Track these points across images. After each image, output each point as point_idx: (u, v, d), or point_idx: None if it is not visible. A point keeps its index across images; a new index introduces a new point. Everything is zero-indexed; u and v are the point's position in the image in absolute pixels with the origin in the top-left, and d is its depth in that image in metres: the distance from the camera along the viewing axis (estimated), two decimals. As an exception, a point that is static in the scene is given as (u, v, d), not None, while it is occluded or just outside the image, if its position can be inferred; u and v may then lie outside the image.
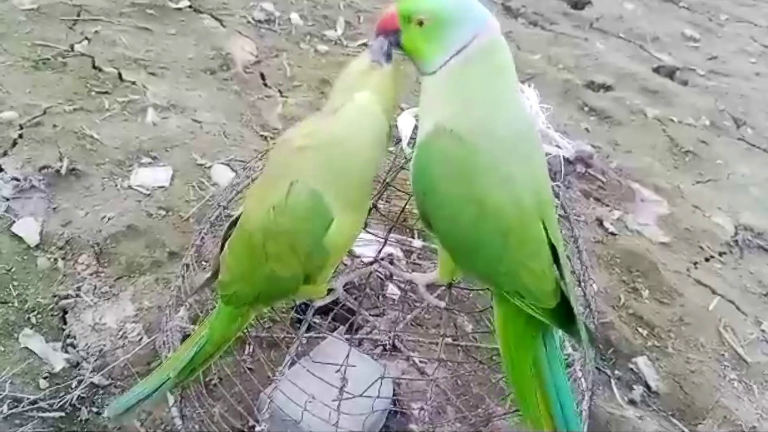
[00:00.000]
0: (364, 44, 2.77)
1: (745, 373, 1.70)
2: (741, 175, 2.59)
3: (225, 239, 1.05)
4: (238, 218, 1.02)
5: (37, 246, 1.59)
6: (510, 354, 0.98)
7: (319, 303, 1.15)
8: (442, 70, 0.88)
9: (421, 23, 0.88)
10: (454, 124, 0.87)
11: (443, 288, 1.27)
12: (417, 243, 1.82)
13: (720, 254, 2.13)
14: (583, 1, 3.83)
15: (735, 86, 3.28)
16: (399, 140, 1.19)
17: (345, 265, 1.61)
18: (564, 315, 0.94)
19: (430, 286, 1.21)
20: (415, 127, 1.17)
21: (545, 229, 0.91)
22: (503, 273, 0.92)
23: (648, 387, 1.62)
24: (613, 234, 2.07)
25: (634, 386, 1.62)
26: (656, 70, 3.29)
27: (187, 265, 1.29)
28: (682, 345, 1.74)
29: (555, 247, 0.92)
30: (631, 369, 1.66)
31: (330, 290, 1.11)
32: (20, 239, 1.60)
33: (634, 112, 2.85)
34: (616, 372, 1.65)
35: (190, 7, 2.76)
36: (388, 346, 1.51)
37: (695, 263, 2.06)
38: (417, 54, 0.91)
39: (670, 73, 3.27)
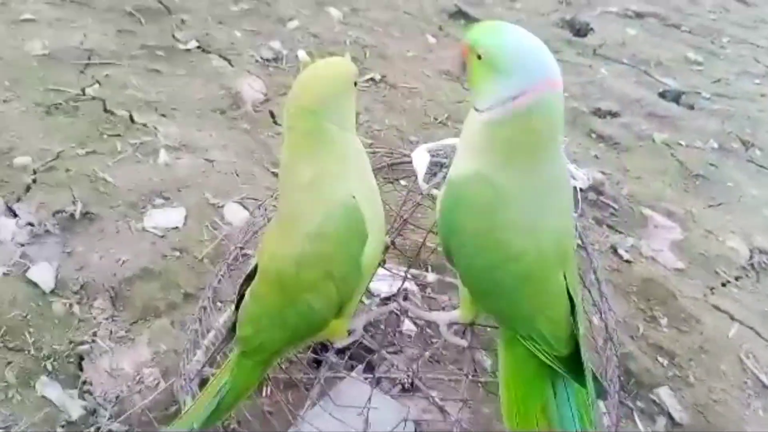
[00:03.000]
0: (372, 79, 2.80)
1: (769, 401, 1.68)
2: (752, 197, 2.58)
3: (240, 297, 1.04)
4: (252, 273, 1.02)
5: (52, 291, 1.59)
6: (515, 398, 0.97)
7: (339, 345, 1.14)
8: (489, 112, 0.88)
9: (479, 57, 0.88)
10: (490, 173, 0.88)
11: (463, 326, 1.27)
12: (431, 277, 1.82)
13: (736, 278, 2.11)
14: (585, 28, 3.86)
15: (741, 108, 3.28)
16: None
17: (363, 303, 1.60)
18: (574, 363, 0.94)
19: (451, 324, 1.21)
20: (430, 163, 1.18)
21: (566, 278, 0.92)
22: (520, 317, 0.93)
23: (671, 418, 1.59)
24: (628, 261, 2.06)
25: (657, 417, 1.59)
26: (662, 94, 3.29)
27: (204, 308, 1.29)
28: (703, 374, 1.72)
29: (573, 298, 0.93)
30: (653, 400, 1.63)
31: (350, 331, 1.10)
32: (35, 285, 1.60)
33: (642, 138, 2.85)
34: (638, 403, 1.63)
35: (198, 47, 2.80)
36: (407, 385, 1.49)
37: (712, 289, 2.04)
38: (472, 85, 0.92)
39: (675, 98, 3.28)
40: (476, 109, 0.91)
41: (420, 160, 1.19)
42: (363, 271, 0.92)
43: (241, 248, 1.38)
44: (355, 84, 0.97)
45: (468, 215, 0.90)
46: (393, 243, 1.25)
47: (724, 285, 2.08)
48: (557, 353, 0.92)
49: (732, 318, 1.92)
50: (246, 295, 1.02)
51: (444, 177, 1.22)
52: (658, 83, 3.40)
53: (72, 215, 1.79)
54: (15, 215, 1.77)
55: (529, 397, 0.96)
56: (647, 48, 3.80)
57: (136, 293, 1.62)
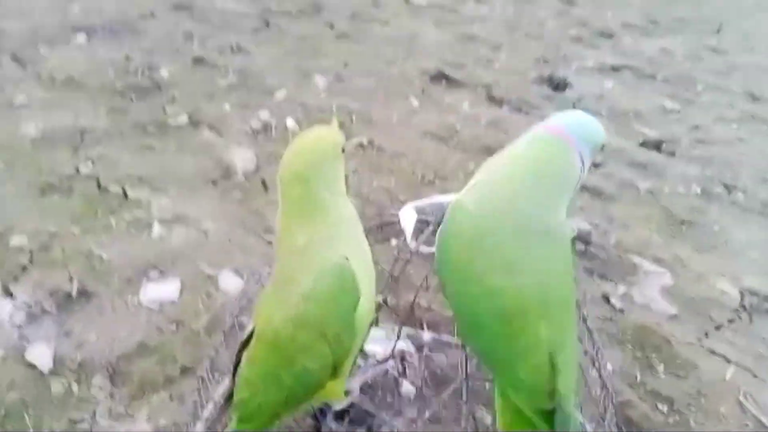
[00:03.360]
0: (360, 144, 2.86)
1: (771, 443, 1.68)
2: (738, 241, 2.62)
3: (237, 364, 1.06)
4: (248, 338, 1.04)
5: (50, 371, 1.60)
6: None
7: (337, 407, 1.15)
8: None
9: None
10: (473, 203, 0.92)
11: (459, 382, 1.28)
12: (427, 336, 1.83)
13: (729, 321, 2.13)
14: (563, 83, 3.98)
15: (720, 153, 3.37)
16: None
17: (358, 365, 1.61)
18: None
19: (442, 385, 1.22)
20: (418, 221, 1.22)
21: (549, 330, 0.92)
22: (500, 360, 0.94)
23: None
24: (621, 310, 2.08)
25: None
26: (642, 144, 3.38)
27: (202, 378, 1.30)
28: (703, 418, 1.72)
29: (552, 354, 0.92)
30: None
31: (347, 392, 1.12)
32: (33, 366, 1.60)
33: (625, 186, 2.92)
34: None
35: (189, 122, 2.87)
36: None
37: (706, 333, 2.06)
38: None
39: (656, 146, 3.36)
40: None
41: (407, 219, 1.23)
42: (356, 330, 0.95)
43: (237, 316, 1.39)
44: (343, 150, 1.01)
45: (451, 242, 0.94)
46: (385, 301, 1.27)
47: (717, 329, 2.10)
48: (538, 406, 0.92)
49: (728, 361, 1.93)
50: (242, 360, 1.04)
51: (432, 233, 1.26)
52: (638, 133, 3.49)
53: (69, 294, 1.81)
54: (11, 296, 1.78)
55: None
56: (625, 99, 3.91)
57: (133, 369, 1.63)
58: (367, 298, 0.95)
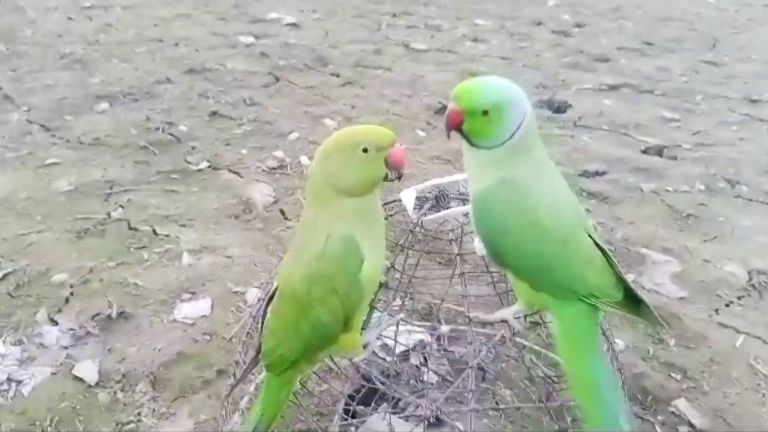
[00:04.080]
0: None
1: (784, 397, 1.73)
2: (744, 228, 2.70)
3: (263, 319, 1.19)
4: (272, 296, 1.17)
5: (97, 384, 1.73)
6: (575, 362, 1.13)
7: (357, 358, 1.26)
8: (506, 143, 1.09)
9: (485, 113, 1.08)
10: (505, 175, 1.10)
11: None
12: (445, 328, 1.93)
13: (738, 298, 2.21)
14: (564, 105, 4.13)
15: (722, 153, 3.47)
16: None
17: (376, 354, 1.71)
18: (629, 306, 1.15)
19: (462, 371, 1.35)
20: (417, 198, 1.37)
21: (591, 236, 1.12)
22: (574, 279, 1.10)
23: (692, 426, 1.65)
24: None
25: (679, 427, 1.65)
26: (644, 151, 3.50)
27: (234, 374, 1.41)
28: (716, 383, 1.79)
29: (603, 249, 1.13)
30: (672, 412, 1.70)
31: (365, 346, 1.23)
32: (81, 380, 1.73)
33: (630, 190, 3.02)
34: (659, 417, 1.69)
35: (209, 167, 3.06)
36: (432, 419, 1.57)
37: (716, 310, 2.13)
38: (481, 135, 1.11)
39: (658, 152, 3.48)
40: (489, 148, 1.11)
41: (407, 197, 1.37)
42: (363, 288, 1.08)
43: (254, 318, 1.51)
44: (366, 151, 1.04)
45: (501, 211, 1.09)
46: (392, 265, 1.39)
47: (727, 305, 2.17)
48: (615, 299, 1.11)
49: (738, 331, 2.00)
50: (268, 313, 1.17)
51: (430, 208, 1.39)
52: (639, 142, 3.61)
53: (109, 316, 1.95)
54: (56, 323, 1.93)
55: (583, 355, 1.12)
56: (624, 114, 4.05)
57: (173, 375, 1.75)
58: (372, 263, 1.08)
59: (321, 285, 1.06)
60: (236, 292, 2.10)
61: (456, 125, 1.11)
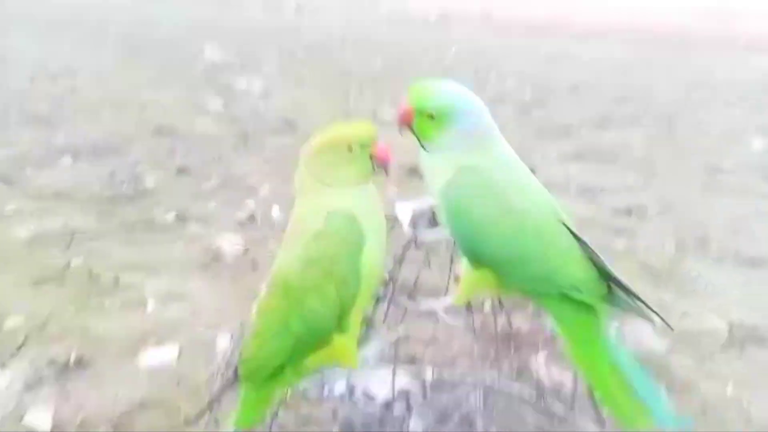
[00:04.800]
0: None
1: (782, 443, 1.68)
2: (718, 284, 2.70)
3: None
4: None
5: (49, 433, 1.57)
6: (584, 359, 1.12)
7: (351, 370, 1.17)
8: (448, 150, 1.07)
9: (431, 116, 1.06)
10: (472, 164, 1.06)
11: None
12: (429, 375, 1.83)
13: (723, 349, 2.17)
14: (531, 169, 4.18)
15: (689, 215, 3.52)
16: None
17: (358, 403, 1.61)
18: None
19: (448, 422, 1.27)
20: (413, 213, 1.32)
21: (568, 228, 1.09)
22: (555, 270, 1.06)
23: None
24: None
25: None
26: (613, 213, 3.53)
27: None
28: (712, 430, 1.73)
29: (577, 236, 1.10)
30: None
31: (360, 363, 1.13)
32: (32, 430, 1.57)
33: (601, 248, 2.98)
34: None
35: (176, 218, 2.96)
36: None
37: (701, 360, 2.09)
38: (428, 138, 1.09)
39: (626, 213, 3.52)
40: (434, 150, 1.09)
41: (402, 211, 1.33)
42: (362, 277, 1.00)
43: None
44: (350, 149, 1.05)
45: (470, 199, 1.05)
46: (392, 279, 1.32)
47: (711, 355, 2.13)
48: (600, 293, 1.09)
49: (726, 380, 1.96)
50: (252, 317, 1.08)
51: (426, 224, 1.33)
52: (607, 205, 3.65)
53: (66, 363, 1.81)
54: (7, 369, 1.77)
55: (589, 346, 1.11)
56: (590, 179, 4.11)
57: (137, 424, 1.61)
58: (374, 250, 1.02)
59: (317, 267, 1.00)
60: (205, 340, 1.97)
61: (405, 122, 1.10)
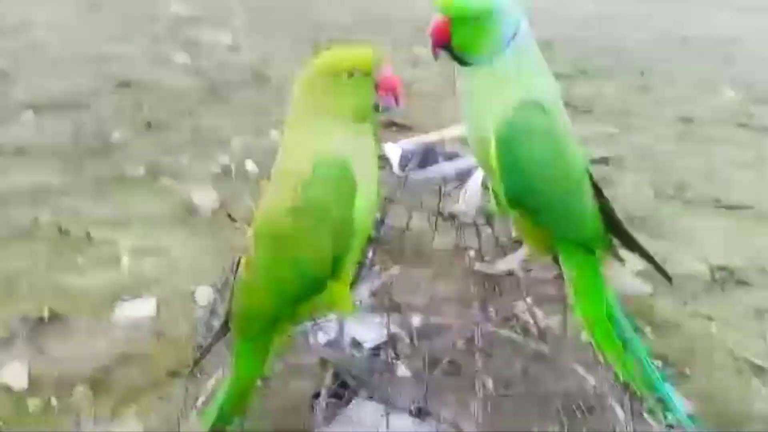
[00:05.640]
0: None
1: (768, 379, 1.69)
2: (697, 229, 2.71)
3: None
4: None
5: (26, 390, 1.50)
6: (592, 306, 1.11)
7: (348, 317, 1.12)
8: (502, 56, 0.97)
9: (476, 19, 0.96)
10: (533, 98, 0.98)
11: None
12: (416, 320, 1.81)
13: (704, 291, 2.18)
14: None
15: (664, 163, 3.53)
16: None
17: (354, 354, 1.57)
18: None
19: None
20: (402, 153, 1.26)
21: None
22: (586, 221, 1.07)
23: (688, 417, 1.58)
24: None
25: (667, 414, 1.57)
26: (591, 162, 3.51)
27: (197, 346, 1.24)
28: (699, 368, 1.73)
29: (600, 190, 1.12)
30: (660, 398, 1.62)
31: (356, 305, 1.09)
32: (7, 387, 1.51)
33: (583, 196, 3.00)
34: (645, 405, 1.61)
35: (147, 173, 2.85)
36: (414, 411, 1.44)
37: (684, 302, 2.10)
38: (474, 48, 0.98)
39: (604, 162, 3.50)
40: (484, 63, 0.98)
41: (392, 151, 1.26)
42: (355, 225, 0.94)
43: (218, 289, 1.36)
44: (351, 75, 0.93)
45: (531, 141, 0.98)
46: (382, 219, 1.27)
47: (694, 298, 2.14)
48: (607, 246, 1.14)
49: (711, 319, 1.96)
50: (239, 272, 1.02)
51: (416, 164, 1.28)
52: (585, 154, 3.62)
53: (40, 318, 1.73)
54: (-22, 328, 1.69)
55: (597, 297, 1.13)
56: (567, 129, 4.08)
57: (116, 378, 1.55)
58: (365, 195, 0.94)
59: (309, 216, 0.92)
60: (184, 292, 1.91)
61: (443, 41, 0.99)
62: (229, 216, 2.49)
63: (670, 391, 1.20)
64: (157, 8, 7.59)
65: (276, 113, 3.87)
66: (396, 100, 0.95)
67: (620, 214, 2.75)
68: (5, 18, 6.30)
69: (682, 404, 1.21)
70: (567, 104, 3.72)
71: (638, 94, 5.32)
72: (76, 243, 2.19)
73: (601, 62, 6.70)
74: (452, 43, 0.98)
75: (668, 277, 1.18)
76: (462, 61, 1.00)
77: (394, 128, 3.84)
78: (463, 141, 1.35)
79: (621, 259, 1.21)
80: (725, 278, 2.28)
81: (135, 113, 3.71)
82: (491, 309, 1.78)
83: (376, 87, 0.94)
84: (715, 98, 5.34)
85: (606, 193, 3.11)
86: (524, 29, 0.98)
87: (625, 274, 2.30)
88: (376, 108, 0.95)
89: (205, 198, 2.60)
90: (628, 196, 3.03)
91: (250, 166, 2.95)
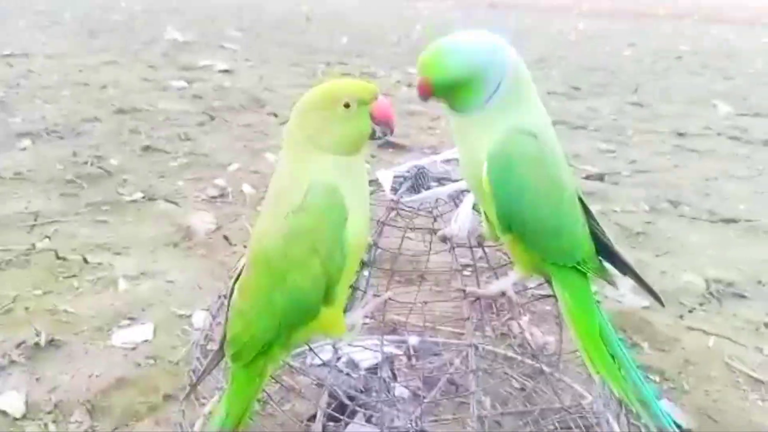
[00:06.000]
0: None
1: (765, 392, 1.68)
2: (693, 243, 2.72)
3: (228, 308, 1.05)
4: (239, 275, 1.03)
5: (24, 416, 1.50)
6: (585, 327, 1.10)
7: (340, 342, 1.12)
8: (487, 105, 0.99)
9: (455, 85, 0.98)
10: (523, 126, 0.99)
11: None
12: (413, 340, 1.81)
13: (701, 305, 2.18)
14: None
15: (660, 178, 3.55)
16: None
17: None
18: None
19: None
20: (395, 178, 1.27)
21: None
22: (578, 243, 1.07)
23: (678, 426, 1.57)
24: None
25: (664, 429, 1.57)
26: (586, 178, 3.53)
27: (193, 371, 1.25)
28: (696, 382, 1.73)
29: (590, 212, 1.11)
30: (652, 414, 1.61)
31: (350, 329, 1.09)
32: (4, 413, 1.50)
33: (578, 212, 3.01)
34: (643, 420, 1.61)
35: (143, 197, 2.87)
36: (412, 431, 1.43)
37: (681, 315, 2.10)
38: (458, 104, 1.00)
39: (599, 178, 3.52)
40: (471, 113, 1.00)
41: (384, 177, 1.27)
42: (347, 250, 0.95)
43: (214, 317, 1.36)
44: (347, 106, 0.95)
45: (521, 165, 0.98)
46: (375, 243, 1.27)
47: (690, 311, 2.14)
48: (597, 267, 1.13)
49: (707, 333, 1.96)
50: (234, 295, 1.02)
51: (408, 188, 1.29)
52: (581, 170, 3.65)
53: (37, 344, 1.73)
54: (-26, 355, 1.69)
55: (588, 318, 1.11)
56: (562, 145, 4.10)
57: (114, 402, 1.54)
58: (357, 221, 0.95)
59: (300, 243, 0.92)
60: (181, 316, 1.91)
61: (428, 95, 1.00)
62: (226, 239, 2.50)
63: (662, 406, 1.20)
64: (154, 35, 7.67)
65: (272, 136, 3.91)
66: (390, 129, 0.97)
67: (616, 229, 2.80)
68: (3, 47, 6.36)
69: (673, 418, 1.22)
70: (562, 121, 3.80)
71: (631, 110, 5.36)
72: (73, 268, 2.20)
73: (596, 79, 6.76)
74: (438, 97, 1.00)
75: (660, 301, 1.19)
76: (450, 108, 1.02)
77: (390, 149, 3.87)
78: (455, 162, 1.37)
79: (612, 283, 1.19)
80: (721, 291, 2.29)
81: (132, 138, 3.73)
82: (488, 328, 1.78)
83: (371, 116, 0.96)
84: (709, 112, 5.38)
85: (602, 207, 3.14)
86: (510, 74, 0.99)
87: (621, 290, 2.31)
88: (372, 136, 0.97)
89: (202, 221, 2.61)
90: (625, 209, 3.04)
91: (246, 188, 2.97)
